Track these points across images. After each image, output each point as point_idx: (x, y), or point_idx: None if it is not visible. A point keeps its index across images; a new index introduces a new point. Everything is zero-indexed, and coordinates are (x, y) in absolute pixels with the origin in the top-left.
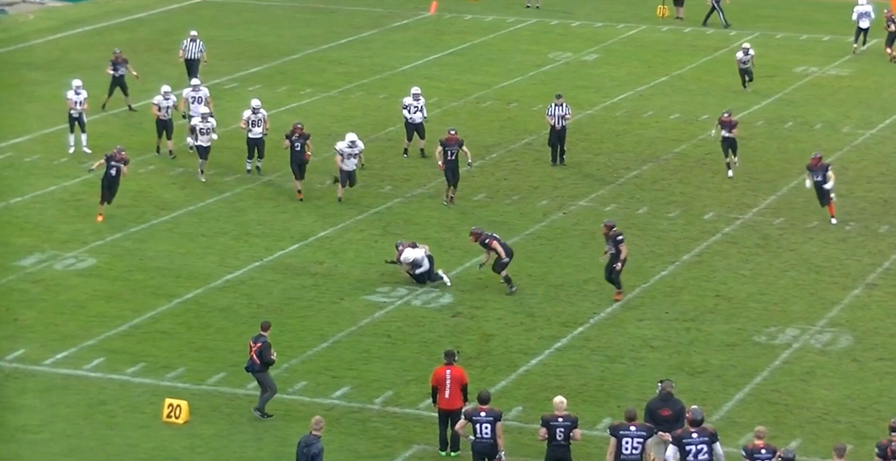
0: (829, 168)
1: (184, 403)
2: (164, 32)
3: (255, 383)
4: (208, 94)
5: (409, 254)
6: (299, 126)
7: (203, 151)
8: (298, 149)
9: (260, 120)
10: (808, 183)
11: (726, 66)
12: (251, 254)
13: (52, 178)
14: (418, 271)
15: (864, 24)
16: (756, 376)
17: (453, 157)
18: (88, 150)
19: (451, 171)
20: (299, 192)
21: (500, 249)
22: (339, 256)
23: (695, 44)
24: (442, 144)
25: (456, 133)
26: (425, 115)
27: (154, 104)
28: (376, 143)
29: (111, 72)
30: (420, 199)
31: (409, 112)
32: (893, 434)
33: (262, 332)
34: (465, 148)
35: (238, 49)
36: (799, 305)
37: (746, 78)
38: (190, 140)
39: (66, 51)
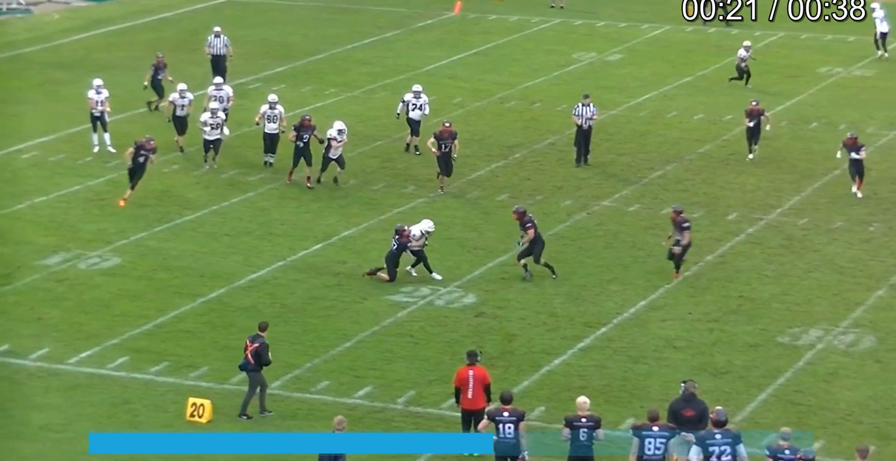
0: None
1: (207, 402)
2: (190, 32)
3: (265, 382)
4: (231, 93)
5: (416, 228)
6: (307, 118)
7: (209, 144)
8: (306, 141)
9: (276, 115)
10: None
11: (751, 67)
12: (275, 253)
13: (77, 178)
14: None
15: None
16: (779, 377)
17: (447, 150)
18: (113, 150)
19: (445, 163)
20: (308, 178)
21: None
22: (363, 256)
23: (719, 44)
24: (436, 137)
25: (450, 125)
26: (426, 112)
27: (169, 101)
28: (400, 143)
29: (149, 78)
30: (444, 199)
31: (408, 108)
32: None
33: (260, 333)
34: (456, 142)
35: (262, 49)
36: (822, 306)
37: (745, 75)
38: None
39: (91, 50)
